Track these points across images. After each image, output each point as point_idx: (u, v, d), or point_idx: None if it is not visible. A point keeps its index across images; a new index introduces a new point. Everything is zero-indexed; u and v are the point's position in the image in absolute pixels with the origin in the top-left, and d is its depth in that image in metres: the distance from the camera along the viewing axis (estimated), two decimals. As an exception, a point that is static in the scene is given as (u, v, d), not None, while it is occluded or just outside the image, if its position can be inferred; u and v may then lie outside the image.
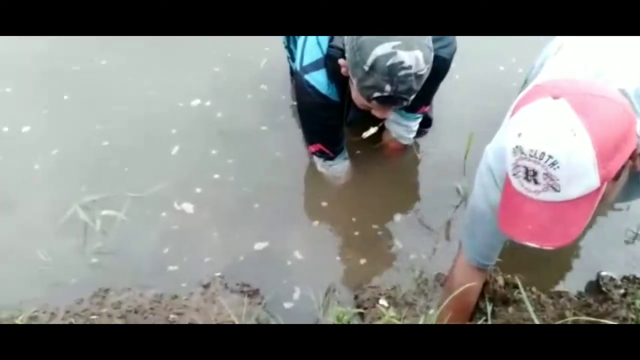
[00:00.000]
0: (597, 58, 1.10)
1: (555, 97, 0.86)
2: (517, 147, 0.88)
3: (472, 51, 1.78)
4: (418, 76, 1.25)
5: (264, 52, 2.19)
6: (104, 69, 2.21)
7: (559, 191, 0.87)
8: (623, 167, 0.89)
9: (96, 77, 2.17)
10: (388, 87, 1.25)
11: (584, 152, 0.83)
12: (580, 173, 0.85)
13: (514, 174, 0.91)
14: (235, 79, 2.16)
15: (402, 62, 1.21)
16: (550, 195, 0.88)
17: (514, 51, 2.12)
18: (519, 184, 0.91)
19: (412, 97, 1.31)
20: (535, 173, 0.87)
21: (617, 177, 0.90)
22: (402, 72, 1.22)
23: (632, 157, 0.90)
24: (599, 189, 0.87)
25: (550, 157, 0.84)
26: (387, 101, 1.30)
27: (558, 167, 0.84)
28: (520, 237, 0.94)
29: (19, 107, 2.08)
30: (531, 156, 0.85)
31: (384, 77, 1.23)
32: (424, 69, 1.25)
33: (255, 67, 2.19)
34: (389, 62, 1.21)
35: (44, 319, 1.45)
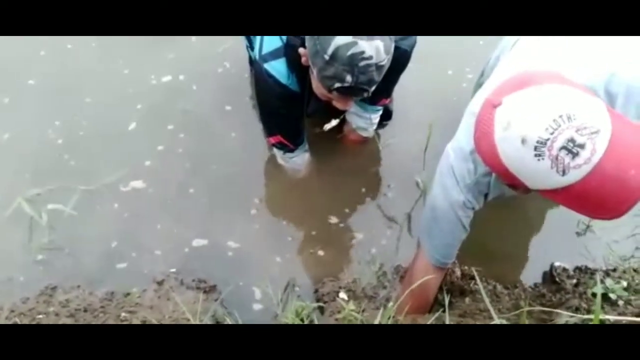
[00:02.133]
0: (553, 52, 1.11)
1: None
2: (540, 142, 0.85)
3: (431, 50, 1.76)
4: (379, 67, 1.23)
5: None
6: (72, 52, 2.09)
7: (599, 131, 0.84)
8: None
9: (64, 60, 2.06)
10: (349, 78, 1.22)
11: (578, 91, 0.88)
12: (594, 105, 0.87)
13: (564, 171, 0.86)
14: (210, 51, 2.09)
15: (363, 52, 1.19)
16: (601, 141, 0.84)
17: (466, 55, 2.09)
18: (577, 170, 0.85)
19: (373, 88, 1.29)
20: (573, 140, 0.84)
21: None
22: (363, 63, 1.20)
23: None
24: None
25: (566, 116, 0.84)
26: (348, 92, 1.28)
27: (574, 117, 0.84)
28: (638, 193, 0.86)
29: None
30: (555, 130, 0.84)
31: (345, 68, 1.21)
32: (385, 59, 1.24)
33: (230, 40, 2.11)
34: (349, 52, 1.19)
35: (-14, 320, 1.37)
